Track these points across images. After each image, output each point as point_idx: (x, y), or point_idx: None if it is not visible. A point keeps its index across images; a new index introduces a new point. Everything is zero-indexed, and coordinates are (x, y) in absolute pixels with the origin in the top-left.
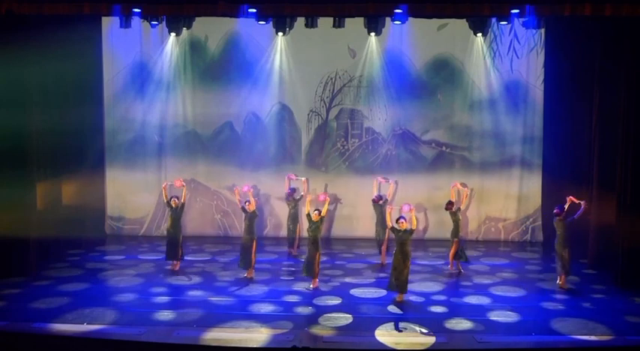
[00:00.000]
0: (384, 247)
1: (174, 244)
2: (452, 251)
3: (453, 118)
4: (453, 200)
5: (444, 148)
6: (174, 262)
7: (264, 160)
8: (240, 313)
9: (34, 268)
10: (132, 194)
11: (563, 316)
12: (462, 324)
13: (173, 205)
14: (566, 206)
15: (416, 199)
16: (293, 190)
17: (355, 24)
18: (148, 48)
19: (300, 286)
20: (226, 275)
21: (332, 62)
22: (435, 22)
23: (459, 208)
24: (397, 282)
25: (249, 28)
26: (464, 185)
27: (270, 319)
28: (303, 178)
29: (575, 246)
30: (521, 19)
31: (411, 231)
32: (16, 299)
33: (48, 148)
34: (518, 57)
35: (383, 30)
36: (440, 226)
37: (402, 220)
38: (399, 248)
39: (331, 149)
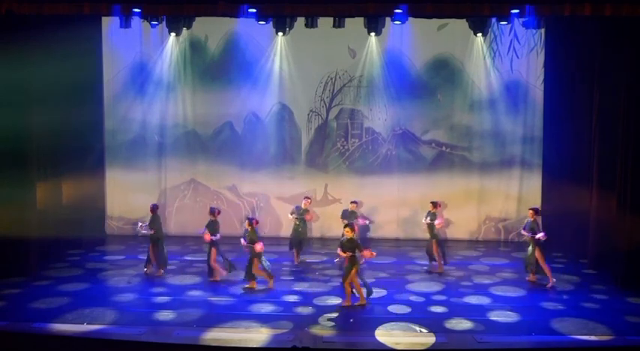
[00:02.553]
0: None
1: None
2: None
3: (453, 118)
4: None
5: (444, 148)
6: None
7: (264, 160)
8: (240, 313)
9: (34, 268)
10: (132, 194)
11: (563, 316)
12: (462, 324)
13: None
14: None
15: (416, 199)
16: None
17: (355, 24)
18: (148, 48)
19: (300, 286)
20: (226, 275)
21: (332, 62)
22: (435, 22)
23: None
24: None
25: (249, 28)
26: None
27: (270, 319)
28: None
29: (575, 246)
30: (521, 19)
31: (352, 239)
32: (16, 299)
33: (48, 148)
34: (518, 57)
35: (383, 30)
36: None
37: (347, 228)
38: (348, 257)
39: (331, 149)
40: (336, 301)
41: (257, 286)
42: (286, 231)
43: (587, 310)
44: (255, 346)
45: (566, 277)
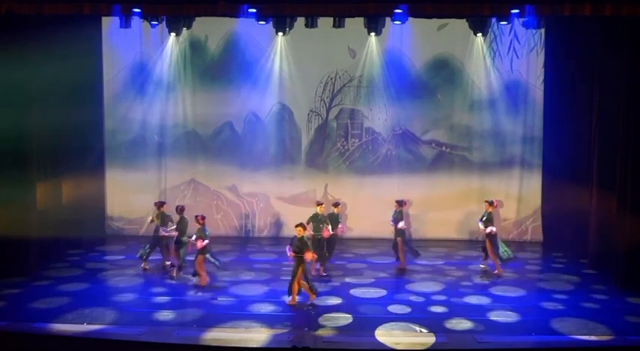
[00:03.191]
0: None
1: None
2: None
3: (453, 118)
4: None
5: (444, 148)
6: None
7: (264, 160)
8: (240, 313)
9: (34, 268)
10: (132, 194)
11: (563, 316)
12: (462, 324)
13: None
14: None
15: (416, 199)
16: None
17: (355, 24)
18: (148, 48)
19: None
20: (226, 275)
21: (332, 62)
22: (435, 22)
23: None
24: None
25: (249, 28)
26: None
27: (270, 319)
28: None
29: (575, 246)
30: (521, 19)
31: (302, 238)
32: (16, 299)
33: (48, 148)
34: (518, 57)
35: (383, 30)
36: (440, 226)
37: (298, 227)
38: (296, 256)
39: (331, 149)
40: (336, 301)
41: (252, 287)
42: (285, 232)
43: (587, 310)
44: (255, 346)
45: (566, 277)
